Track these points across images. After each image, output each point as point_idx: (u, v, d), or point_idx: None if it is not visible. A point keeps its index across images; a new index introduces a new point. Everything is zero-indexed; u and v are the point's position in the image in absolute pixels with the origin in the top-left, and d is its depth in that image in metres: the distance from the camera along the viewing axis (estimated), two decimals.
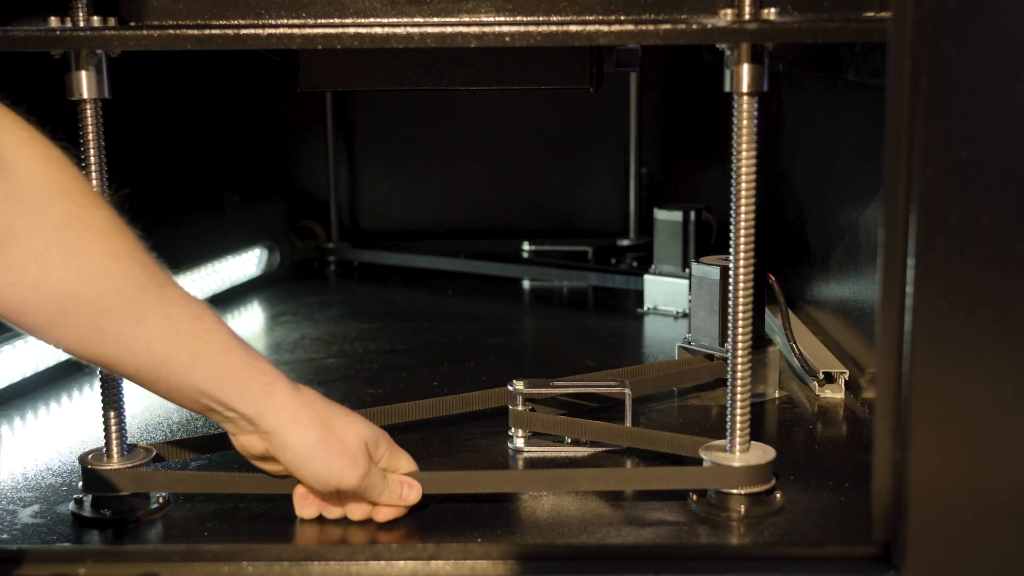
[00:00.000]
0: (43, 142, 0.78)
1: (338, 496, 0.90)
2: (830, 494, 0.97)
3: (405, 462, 0.94)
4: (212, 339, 0.83)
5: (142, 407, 1.24)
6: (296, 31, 0.88)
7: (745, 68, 0.87)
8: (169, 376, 0.83)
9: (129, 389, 0.97)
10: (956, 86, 0.76)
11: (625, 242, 2.00)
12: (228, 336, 0.85)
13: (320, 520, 0.92)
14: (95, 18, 0.88)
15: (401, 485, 0.91)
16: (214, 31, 0.88)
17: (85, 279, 0.78)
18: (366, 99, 2.03)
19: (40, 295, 0.77)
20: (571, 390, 1.13)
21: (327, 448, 0.87)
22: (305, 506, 0.92)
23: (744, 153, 0.89)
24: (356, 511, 0.91)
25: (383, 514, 0.91)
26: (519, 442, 1.08)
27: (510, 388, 1.09)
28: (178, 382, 0.83)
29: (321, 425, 0.87)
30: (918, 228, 0.78)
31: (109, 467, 0.95)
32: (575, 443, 1.08)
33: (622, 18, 0.89)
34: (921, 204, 0.78)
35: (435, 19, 0.90)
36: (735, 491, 0.93)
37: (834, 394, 1.23)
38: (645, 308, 1.64)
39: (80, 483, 0.96)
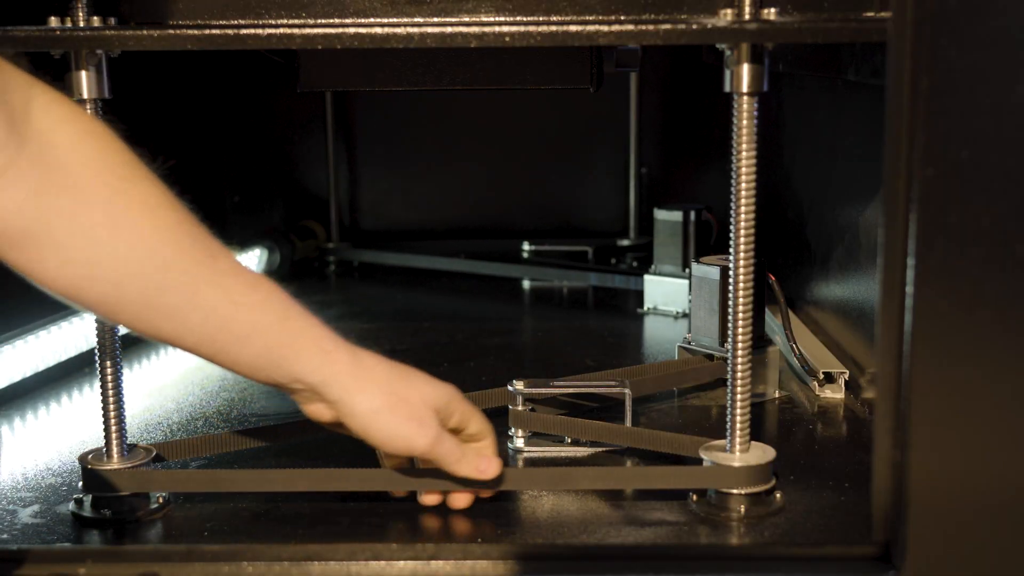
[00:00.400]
0: (85, 118, 0.77)
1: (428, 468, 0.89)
2: (830, 494, 0.97)
3: (476, 424, 0.91)
4: (269, 308, 0.82)
5: (142, 407, 1.24)
6: (296, 31, 0.88)
7: (745, 68, 0.87)
8: (228, 348, 0.81)
9: (129, 389, 0.97)
10: (956, 86, 0.76)
11: (625, 242, 2.00)
12: (285, 304, 0.83)
13: (320, 520, 0.92)
14: (95, 18, 0.88)
15: (479, 457, 0.90)
16: (214, 31, 0.88)
17: (136, 254, 0.77)
18: (366, 99, 2.03)
19: (92, 273, 0.76)
20: (571, 390, 1.13)
21: (393, 412, 0.85)
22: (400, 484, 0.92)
23: (744, 153, 0.89)
24: (428, 498, 0.91)
25: (460, 501, 0.91)
26: (519, 442, 1.08)
27: (510, 388, 1.09)
28: (238, 354, 0.82)
29: (386, 389, 0.85)
30: (918, 228, 0.78)
31: (109, 467, 0.95)
32: (575, 443, 1.08)
33: (622, 18, 0.89)
34: (921, 204, 0.78)
35: (435, 19, 0.90)
36: (735, 491, 0.93)
37: (834, 394, 1.23)
38: (645, 308, 1.64)
39: (80, 483, 0.96)
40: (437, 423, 0.87)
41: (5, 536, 0.91)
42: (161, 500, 0.95)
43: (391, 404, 0.85)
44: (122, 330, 0.94)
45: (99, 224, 0.75)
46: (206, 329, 0.80)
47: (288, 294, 0.84)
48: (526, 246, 2.01)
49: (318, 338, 0.84)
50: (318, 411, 0.87)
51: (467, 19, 0.90)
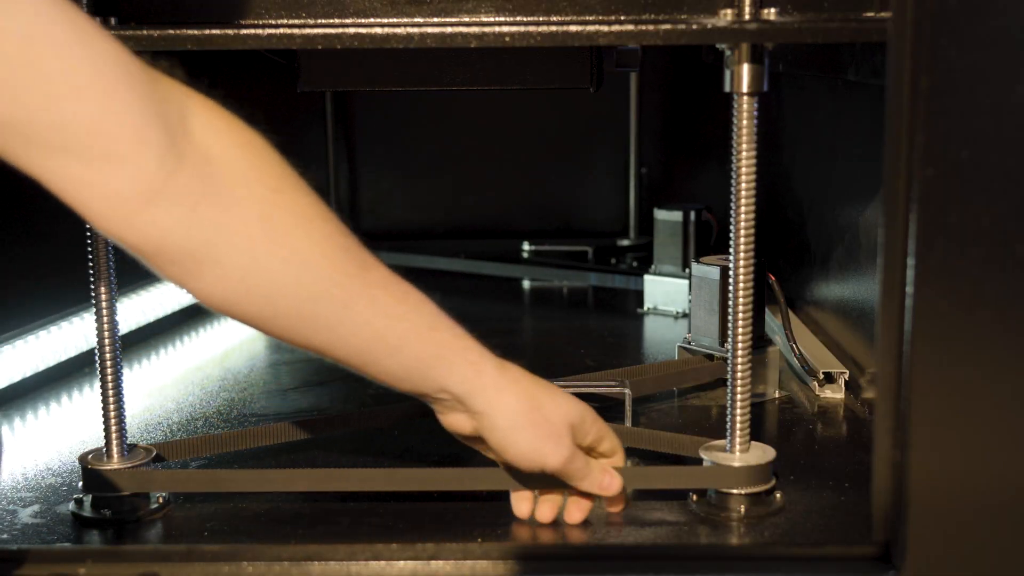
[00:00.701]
0: (240, 128, 0.78)
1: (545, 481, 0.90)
2: (830, 494, 0.97)
3: (608, 442, 0.92)
4: (418, 320, 0.82)
5: (142, 407, 1.24)
6: (296, 31, 0.88)
7: (745, 68, 0.87)
8: (378, 360, 0.82)
9: (129, 389, 0.97)
10: (956, 86, 0.76)
11: (625, 242, 2.00)
12: (434, 315, 0.84)
13: (320, 520, 0.92)
14: (95, 18, 0.88)
15: (603, 473, 0.90)
16: (214, 31, 0.88)
17: (290, 268, 0.77)
18: (366, 99, 2.03)
19: (248, 287, 0.76)
20: (571, 390, 1.12)
21: (534, 428, 0.85)
22: (521, 503, 0.92)
23: (744, 153, 0.89)
24: (544, 514, 0.91)
25: (576, 515, 0.91)
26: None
27: None
28: (387, 365, 0.82)
29: (529, 404, 0.85)
30: (918, 228, 0.78)
31: (109, 467, 0.95)
32: None
33: (622, 18, 0.89)
34: (921, 204, 0.78)
35: (435, 19, 0.90)
36: (735, 491, 0.93)
37: (834, 394, 1.23)
38: (645, 308, 1.64)
39: (80, 483, 0.96)
40: (572, 441, 0.88)
41: (5, 536, 0.91)
42: (161, 500, 0.95)
43: (533, 420, 0.86)
44: (122, 330, 0.94)
45: (256, 238, 0.75)
46: (357, 341, 0.81)
47: (435, 304, 0.85)
48: (526, 246, 2.01)
49: (466, 349, 0.85)
50: (457, 421, 0.87)
51: (467, 19, 0.90)
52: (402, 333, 0.81)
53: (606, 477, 0.90)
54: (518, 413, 0.85)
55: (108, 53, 0.69)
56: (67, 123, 0.68)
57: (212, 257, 0.74)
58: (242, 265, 0.75)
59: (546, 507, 0.91)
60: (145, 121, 0.70)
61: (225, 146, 0.75)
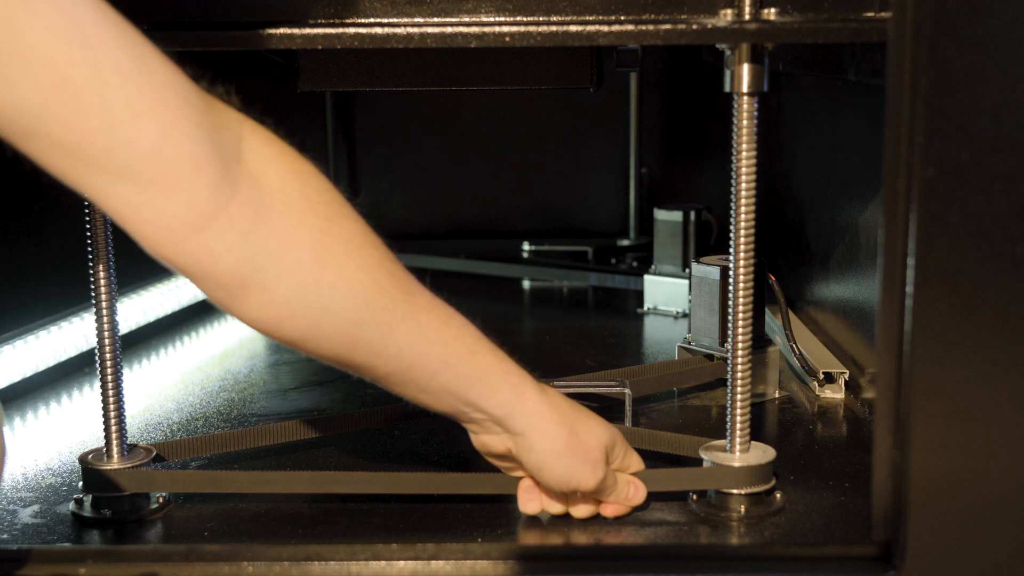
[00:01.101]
0: (292, 156, 0.79)
1: (565, 495, 0.91)
2: (830, 494, 0.97)
3: (635, 463, 0.94)
4: (460, 344, 0.84)
5: (142, 407, 1.24)
6: (296, 31, 0.88)
7: (745, 68, 0.87)
8: (418, 380, 0.84)
9: (129, 389, 0.97)
10: (956, 86, 0.76)
11: (625, 242, 2.00)
12: (476, 339, 0.86)
13: (320, 520, 0.92)
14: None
15: (628, 485, 0.92)
16: (214, 31, 0.88)
17: (338, 294, 0.78)
18: (366, 99, 2.03)
19: (294, 311, 0.77)
20: (571, 390, 1.13)
21: (572, 453, 0.87)
22: (528, 501, 0.92)
23: (744, 153, 0.89)
24: (582, 510, 0.92)
25: (610, 510, 0.92)
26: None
27: None
28: (427, 385, 0.84)
29: (568, 429, 0.88)
30: (918, 228, 0.78)
31: (109, 467, 0.95)
32: None
33: (622, 18, 0.89)
34: (921, 204, 0.78)
35: (435, 19, 0.90)
36: (735, 491, 0.93)
37: (834, 394, 1.23)
38: (645, 308, 1.64)
39: (80, 483, 0.96)
40: (606, 463, 0.90)
41: (5, 536, 0.91)
42: (161, 500, 0.95)
43: (571, 445, 0.87)
44: (122, 330, 0.94)
45: (305, 265, 0.76)
46: (400, 364, 0.82)
47: (477, 328, 0.87)
48: (526, 246, 2.01)
49: (507, 372, 0.86)
50: (490, 442, 0.89)
51: (467, 19, 0.90)
52: (445, 356, 0.83)
53: (631, 488, 0.92)
54: (558, 437, 0.87)
55: (168, 80, 0.71)
56: (126, 148, 0.69)
57: (260, 283, 0.75)
58: (289, 291, 0.76)
59: (556, 500, 0.92)
60: (201, 148, 0.71)
61: (277, 174, 0.77)
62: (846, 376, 1.23)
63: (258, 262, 0.75)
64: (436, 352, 0.83)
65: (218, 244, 0.73)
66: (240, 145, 0.75)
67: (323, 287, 0.77)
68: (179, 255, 0.73)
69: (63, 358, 1.34)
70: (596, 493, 0.90)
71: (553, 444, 0.87)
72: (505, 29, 0.86)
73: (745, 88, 0.88)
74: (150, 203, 0.71)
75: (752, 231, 0.90)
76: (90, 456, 0.96)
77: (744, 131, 0.88)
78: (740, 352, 0.92)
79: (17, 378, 1.27)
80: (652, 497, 0.95)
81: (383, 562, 0.86)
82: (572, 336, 1.55)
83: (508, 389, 0.86)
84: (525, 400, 0.86)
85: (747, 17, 0.86)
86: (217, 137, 0.73)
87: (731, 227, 0.91)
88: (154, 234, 0.72)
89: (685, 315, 1.58)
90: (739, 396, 0.93)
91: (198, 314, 1.60)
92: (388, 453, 1.08)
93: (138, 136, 0.69)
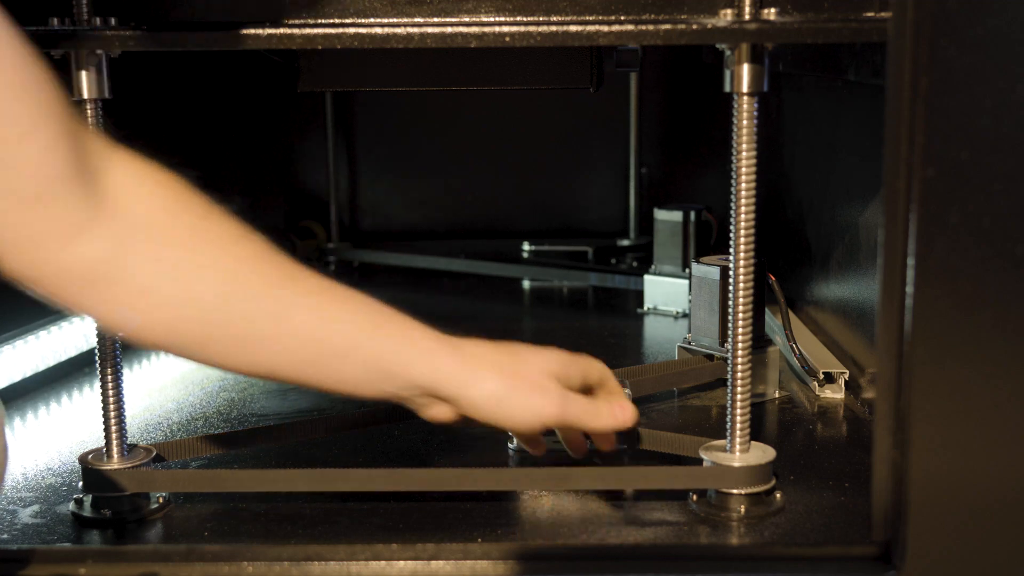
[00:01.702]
0: (160, 172, 0.78)
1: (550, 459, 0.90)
2: (830, 494, 0.97)
3: (596, 369, 0.91)
4: (363, 320, 0.82)
5: (142, 407, 1.24)
6: (296, 31, 0.88)
7: (745, 68, 0.87)
8: (330, 369, 0.81)
9: (129, 389, 0.97)
10: (956, 86, 0.76)
11: (625, 242, 2.00)
12: (379, 313, 0.83)
13: (320, 520, 0.92)
14: (95, 18, 0.88)
15: (611, 406, 0.89)
16: (214, 31, 0.88)
17: (221, 288, 0.77)
18: (366, 99, 2.03)
19: (180, 313, 0.76)
20: None
21: (514, 391, 0.85)
22: (534, 449, 0.91)
23: (744, 153, 0.89)
24: (577, 450, 0.91)
25: (603, 443, 0.91)
26: (519, 442, 1.08)
27: None
28: (341, 372, 0.81)
29: (498, 372, 0.85)
30: (918, 228, 0.78)
31: (109, 467, 0.95)
32: None
33: (622, 18, 0.89)
34: (921, 204, 0.78)
35: (435, 19, 0.90)
36: (735, 491, 0.93)
37: (834, 394, 1.23)
38: (645, 308, 1.64)
39: (80, 483, 0.96)
40: (560, 388, 0.86)
41: (5, 536, 0.91)
42: (161, 500, 0.95)
43: (509, 385, 0.85)
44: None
45: (182, 262, 0.76)
46: (304, 353, 0.80)
47: (379, 301, 0.83)
48: (526, 246, 2.01)
49: (418, 339, 0.84)
50: (439, 413, 0.87)
51: (467, 19, 0.90)
52: (348, 335, 0.80)
53: (615, 407, 0.89)
54: (491, 383, 0.84)
55: (50, 97, 0.71)
56: (14, 167, 0.69)
57: (140, 286, 0.75)
58: (171, 291, 0.76)
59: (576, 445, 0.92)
60: (76, 161, 0.71)
61: (148, 184, 0.77)
62: (846, 376, 1.23)
63: (135, 265, 0.75)
64: (339, 333, 0.80)
65: (93, 252, 0.73)
66: (108, 164, 0.75)
67: (205, 283, 0.76)
68: (52, 268, 0.72)
69: (63, 358, 1.34)
70: (574, 422, 0.87)
71: (490, 390, 0.84)
72: (505, 29, 0.86)
73: (745, 88, 0.88)
74: (26, 218, 0.70)
75: (752, 231, 0.90)
76: (90, 456, 0.96)
77: (744, 131, 0.88)
78: (740, 352, 0.92)
79: (17, 378, 1.27)
80: (652, 497, 0.96)
81: (383, 562, 0.86)
82: (572, 336, 1.55)
83: (425, 356, 0.83)
84: (444, 361, 0.83)
85: (747, 17, 0.86)
86: (85, 148, 0.73)
87: (731, 227, 0.91)
88: (27, 249, 0.72)
89: (685, 315, 1.58)
90: (739, 396, 0.93)
91: None
92: (388, 453, 1.08)
93: (21, 154, 0.69)
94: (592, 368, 0.91)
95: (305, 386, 0.83)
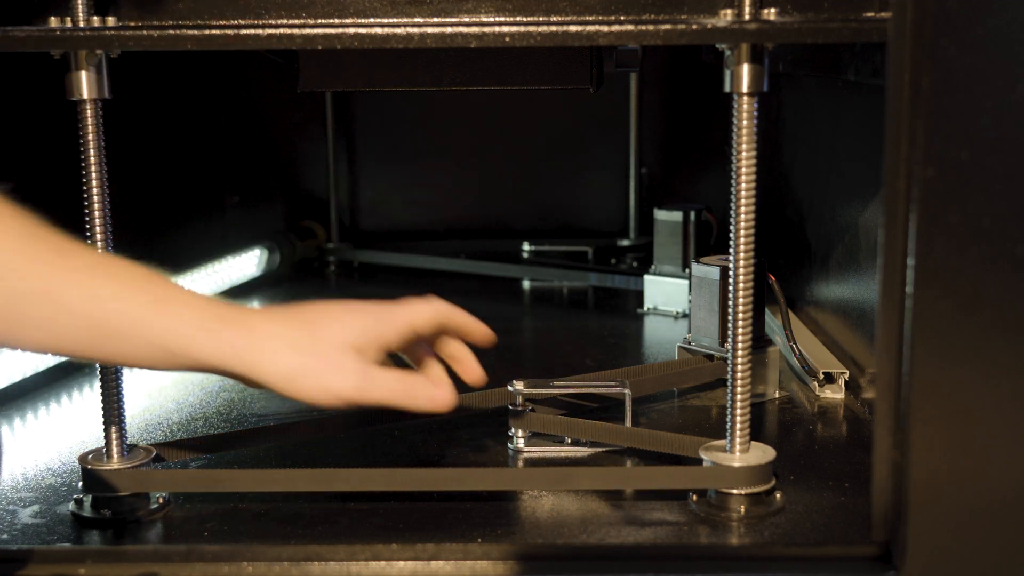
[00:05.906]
0: None
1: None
2: (830, 494, 0.97)
3: (423, 316, 0.86)
4: (138, 298, 0.76)
5: (142, 407, 1.24)
6: (296, 31, 0.88)
7: (745, 68, 0.87)
8: (111, 347, 0.76)
9: (129, 389, 0.97)
10: (956, 86, 0.76)
11: (625, 242, 2.00)
12: (155, 288, 0.77)
13: (320, 520, 0.92)
14: (95, 18, 0.88)
15: (427, 387, 0.83)
16: (214, 31, 0.88)
17: None
18: (366, 99, 2.03)
19: None
20: (571, 390, 1.13)
21: (307, 369, 0.79)
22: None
23: (744, 153, 0.89)
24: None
25: (470, 375, 0.87)
26: (519, 442, 1.08)
27: (510, 388, 1.09)
28: (123, 351, 0.76)
29: (290, 348, 0.79)
30: (918, 228, 0.78)
31: (109, 467, 0.95)
32: (575, 443, 1.08)
33: (622, 18, 0.89)
34: (921, 204, 0.78)
35: (435, 19, 0.90)
36: (735, 491, 0.93)
37: (834, 394, 1.23)
38: (645, 308, 1.64)
39: (80, 483, 0.96)
40: (360, 363, 0.81)
41: (5, 536, 0.91)
42: (161, 500, 0.95)
43: (301, 363, 0.79)
44: None
45: None
46: (77, 332, 0.75)
47: (161, 275, 0.78)
48: (526, 246, 2.01)
49: (199, 318, 0.77)
50: (252, 385, 0.81)
51: (467, 19, 0.90)
52: (121, 313, 0.75)
53: (435, 389, 0.84)
54: (279, 362, 0.78)
55: None
56: None
57: None
58: None
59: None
60: None
61: None
62: (846, 376, 1.23)
63: None
64: (110, 311, 0.75)
65: None
66: None
67: None
68: None
69: (64, 358, 1.33)
70: (383, 400, 0.81)
71: (283, 371, 0.78)
72: (505, 29, 0.86)
73: (745, 88, 0.88)
74: None
75: (752, 231, 0.90)
76: (90, 456, 0.96)
77: (744, 131, 0.88)
78: (740, 352, 0.92)
79: (17, 378, 1.27)
80: (652, 497, 0.96)
81: (383, 562, 0.86)
82: (572, 336, 1.55)
83: (207, 336, 0.77)
84: (227, 340, 0.77)
85: (747, 17, 0.86)
86: None
87: (731, 227, 0.91)
88: None
89: (685, 315, 1.58)
90: (739, 396, 0.93)
91: None
92: (388, 453, 1.08)
93: None
94: (413, 319, 0.84)
95: (94, 361, 0.77)
